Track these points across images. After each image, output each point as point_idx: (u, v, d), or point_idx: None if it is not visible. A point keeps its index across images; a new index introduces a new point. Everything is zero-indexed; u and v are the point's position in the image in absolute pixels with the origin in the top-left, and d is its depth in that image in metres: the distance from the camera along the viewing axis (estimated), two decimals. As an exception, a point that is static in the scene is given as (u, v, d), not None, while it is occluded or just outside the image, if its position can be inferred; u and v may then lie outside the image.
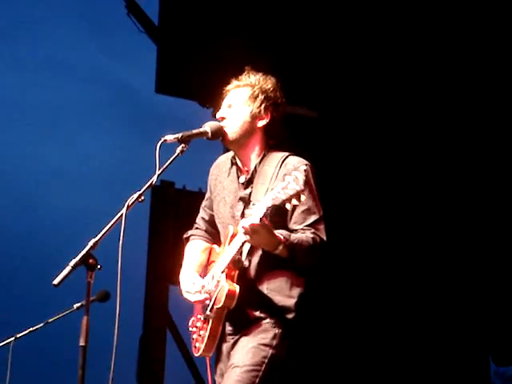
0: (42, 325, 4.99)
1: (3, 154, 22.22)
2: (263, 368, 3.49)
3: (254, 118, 3.69)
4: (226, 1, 7.05)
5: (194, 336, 3.74)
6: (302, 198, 3.26)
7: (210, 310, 3.63)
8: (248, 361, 3.49)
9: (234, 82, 3.79)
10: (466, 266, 7.32)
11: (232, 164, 3.78)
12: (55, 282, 3.07)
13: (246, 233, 3.40)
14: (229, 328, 3.63)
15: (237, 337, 3.60)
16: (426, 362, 7.14)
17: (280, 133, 3.76)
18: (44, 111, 22.92)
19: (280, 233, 3.48)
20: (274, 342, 3.52)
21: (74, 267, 3.09)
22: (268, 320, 3.56)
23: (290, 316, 3.58)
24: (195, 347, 3.72)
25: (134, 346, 7.47)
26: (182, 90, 7.10)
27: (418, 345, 7.18)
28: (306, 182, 3.31)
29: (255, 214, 3.37)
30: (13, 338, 4.96)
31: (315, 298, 6.50)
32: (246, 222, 3.38)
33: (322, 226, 3.58)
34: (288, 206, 3.29)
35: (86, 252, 3.12)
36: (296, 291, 3.60)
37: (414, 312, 7.21)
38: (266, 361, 3.50)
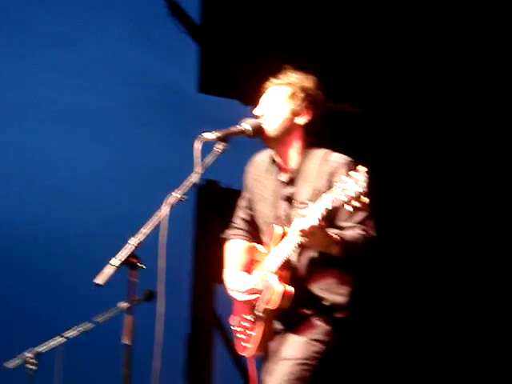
0: (91, 325, 5.03)
1: (55, 156, 22.50)
2: (314, 362, 3.50)
3: (294, 115, 3.69)
4: (264, 3, 7.04)
5: (240, 335, 3.74)
6: (364, 199, 3.24)
7: (260, 311, 3.62)
8: (299, 354, 3.50)
9: (274, 80, 3.78)
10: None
11: (272, 162, 3.77)
12: (98, 281, 3.10)
13: (303, 234, 3.39)
14: (277, 326, 3.63)
15: (285, 334, 3.59)
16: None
17: (320, 131, 3.75)
18: (91, 115, 23.15)
19: (333, 232, 3.47)
20: (326, 338, 3.53)
21: (118, 267, 3.13)
22: (318, 317, 3.56)
23: (340, 314, 3.59)
24: (241, 346, 3.72)
25: (179, 345, 7.49)
26: (224, 90, 7.12)
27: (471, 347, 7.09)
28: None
29: (312, 215, 3.35)
30: (63, 339, 4.99)
31: (365, 296, 6.58)
32: (305, 224, 3.36)
33: (371, 222, 3.57)
34: (348, 208, 3.27)
35: (129, 252, 3.15)
36: (345, 289, 3.61)
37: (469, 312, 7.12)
38: (318, 356, 3.50)
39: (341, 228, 3.53)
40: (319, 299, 3.57)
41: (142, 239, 3.20)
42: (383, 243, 6.76)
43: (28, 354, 4.96)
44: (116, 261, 3.14)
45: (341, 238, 3.46)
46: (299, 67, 3.83)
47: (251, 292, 3.66)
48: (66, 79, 23.13)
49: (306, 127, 3.71)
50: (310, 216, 3.36)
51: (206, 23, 7.29)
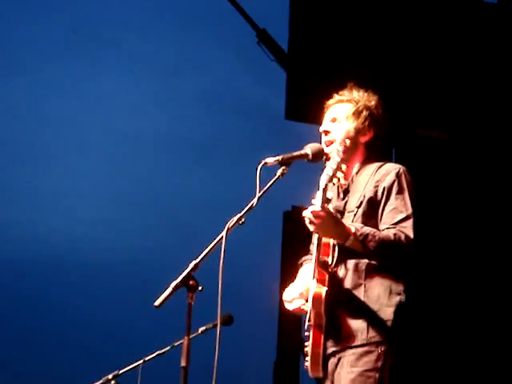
0: (168, 348, 5.10)
1: (160, 186, 22.94)
2: None
3: (358, 133, 3.68)
4: (353, 31, 7.05)
5: (305, 352, 3.65)
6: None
7: (309, 320, 3.57)
8: None
9: (337, 97, 3.81)
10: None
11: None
12: (156, 303, 3.13)
13: (310, 222, 3.35)
14: (329, 343, 3.52)
15: (339, 355, 3.47)
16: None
17: (381, 150, 3.74)
18: (199, 144, 23.50)
19: (352, 225, 3.42)
20: (380, 364, 3.38)
21: (174, 288, 3.15)
22: (369, 336, 3.41)
23: (390, 327, 3.41)
24: (306, 366, 3.63)
25: (268, 371, 7.50)
26: (309, 116, 7.15)
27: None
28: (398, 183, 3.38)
29: (316, 201, 3.33)
30: (141, 361, 5.10)
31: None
32: (308, 210, 3.35)
33: (408, 224, 3.45)
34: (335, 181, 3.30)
35: (187, 274, 3.17)
36: (395, 299, 3.46)
37: None
38: None
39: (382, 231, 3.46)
40: (366, 310, 3.44)
41: (198, 261, 3.22)
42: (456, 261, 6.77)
43: (109, 376, 5.09)
44: (173, 283, 3.17)
45: (357, 229, 3.38)
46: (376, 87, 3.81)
47: (296, 299, 3.65)
48: (175, 109, 23.61)
49: (368, 146, 3.70)
50: (315, 203, 3.34)
51: (293, 51, 7.36)
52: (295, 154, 3.52)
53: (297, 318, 7.54)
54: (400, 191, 3.51)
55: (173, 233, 22.31)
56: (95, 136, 22.60)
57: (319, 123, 7.22)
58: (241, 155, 22.99)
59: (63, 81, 22.39)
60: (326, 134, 3.71)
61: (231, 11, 7.71)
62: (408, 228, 3.43)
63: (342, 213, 3.65)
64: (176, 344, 5.07)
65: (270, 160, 3.42)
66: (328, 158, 3.63)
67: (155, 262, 20.35)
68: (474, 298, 6.97)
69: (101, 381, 5.12)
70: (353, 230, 3.38)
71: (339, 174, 3.39)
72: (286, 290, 3.78)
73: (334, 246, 3.50)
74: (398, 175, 3.54)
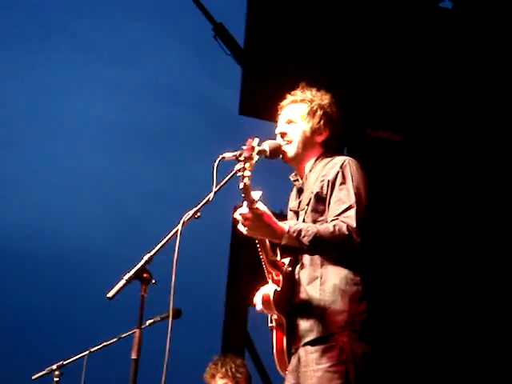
0: (115, 340, 5.08)
1: (108, 176, 22.78)
2: None
3: (314, 133, 3.69)
4: (310, 27, 7.07)
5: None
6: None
7: (271, 322, 3.60)
8: None
9: (290, 97, 3.80)
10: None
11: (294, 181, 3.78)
12: (109, 294, 3.12)
13: (242, 224, 3.35)
14: (291, 341, 3.53)
15: (301, 351, 3.46)
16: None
17: (336, 147, 3.75)
18: (150, 135, 23.38)
19: (286, 222, 3.41)
20: (344, 357, 3.35)
21: (128, 281, 3.14)
22: (325, 329, 3.40)
23: (346, 318, 3.40)
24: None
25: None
26: (263, 113, 7.15)
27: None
28: (341, 175, 3.40)
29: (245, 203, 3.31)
30: (87, 352, 5.06)
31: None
32: (236, 213, 3.34)
33: (351, 213, 3.41)
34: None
35: (141, 266, 3.16)
36: (351, 290, 3.43)
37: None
38: (343, 380, 3.34)
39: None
40: (323, 305, 3.42)
41: (152, 254, 3.21)
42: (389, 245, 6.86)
43: (54, 367, 5.04)
44: (127, 275, 3.16)
45: (290, 226, 3.35)
46: (337, 93, 3.84)
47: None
48: (124, 99, 23.44)
49: (324, 144, 3.70)
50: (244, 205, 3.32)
51: (249, 46, 7.35)
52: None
53: (243, 314, 7.65)
54: (343, 182, 3.50)
55: (121, 224, 22.19)
56: (46, 124, 22.36)
57: (273, 120, 7.27)
58: (190, 148, 22.94)
59: (13, 67, 22.10)
60: (282, 137, 3.70)
61: (188, 3, 7.67)
62: (351, 217, 3.39)
63: (297, 212, 3.67)
64: (123, 336, 5.05)
65: (228, 155, 3.39)
66: (285, 157, 3.66)
67: (103, 253, 20.24)
68: (422, 292, 7.05)
69: (45, 371, 5.07)
70: (286, 228, 3.36)
71: (247, 173, 3.29)
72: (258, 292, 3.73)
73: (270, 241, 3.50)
74: (341, 167, 3.53)
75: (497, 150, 7.12)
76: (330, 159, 3.64)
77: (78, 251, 20.55)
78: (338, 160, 3.59)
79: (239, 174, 3.27)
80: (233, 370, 5.69)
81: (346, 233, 3.34)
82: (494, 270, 7.08)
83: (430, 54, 7.26)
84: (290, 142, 3.68)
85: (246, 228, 3.36)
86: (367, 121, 7.18)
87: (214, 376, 5.76)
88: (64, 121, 22.61)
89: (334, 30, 7.12)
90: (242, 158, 3.27)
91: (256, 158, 3.32)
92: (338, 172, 3.52)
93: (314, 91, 3.77)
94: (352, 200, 3.45)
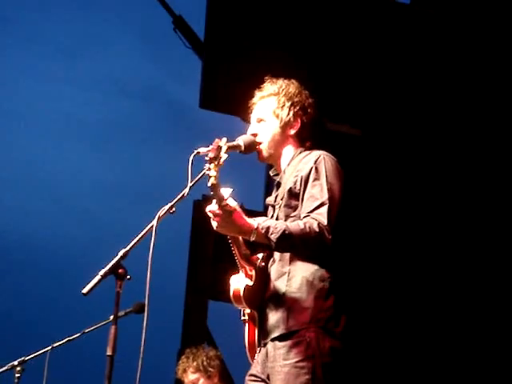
0: (78, 334, 5.04)
1: (56, 168, 22.55)
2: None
3: (285, 127, 3.65)
4: (271, 20, 7.07)
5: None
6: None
7: (243, 315, 3.61)
8: None
9: (258, 94, 3.74)
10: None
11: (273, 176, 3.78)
12: (84, 290, 3.09)
13: (212, 219, 3.35)
14: (260, 335, 3.53)
15: (269, 346, 3.46)
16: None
17: (313, 134, 3.70)
18: (98, 127, 23.20)
19: (256, 219, 3.39)
20: (310, 352, 3.35)
21: (103, 276, 3.12)
22: (289, 325, 3.40)
23: (311, 314, 3.39)
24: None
25: (172, 360, 7.47)
26: (224, 106, 7.15)
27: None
28: (315, 170, 3.37)
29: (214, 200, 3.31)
30: (49, 348, 5.02)
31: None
32: (207, 209, 3.34)
33: (323, 210, 3.37)
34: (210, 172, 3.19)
35: (116, 262, 3.14)
36: (317, 286, 3.42)
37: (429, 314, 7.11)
38: (310, 376, 3.33)
39: None
40: (290, 300, 3.41)
41: (128, 250, 3.19)
42: (375, 261, 6.93)
43: (15, 362, 4.99)
44: (102, 271, 3.14)
45: (259, 224, 3.34)
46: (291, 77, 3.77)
47: None
48: (72, 90, 23.21)
49: (298, 135, 3.67)
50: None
51: (209, 39, 7.32)
52: (228, 144, 3.48)
53: (203, 305, 7.63)
54: (317, 178, 3.46)
55: (69, 217, 21.98)
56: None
57: (234, 113, 7.27)
58: (140, 140, 22.82)
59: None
60: (254, 137, 3.65)
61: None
62: (322, 214, 3.36)
63: (274, 206, 3.66)
64: (87, 331, 5.02)
65: (203, 150, 3.33)
66: (260, 157, 3.66)
67: (51, 247, 20.03)
68: (394, 290, 7.12)
69: (5, 367, 5.02)
70: (255, 225, 3.35)
71: (212, 173, 3.24)
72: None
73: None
74: (316, 162, 3.49)
75: (456, 142, 7.19)
76: (307, 153, 3.62)
77: (26, 245, 20.32)
78: (313, 155, 3.55)
79: (207, 173, 3.25)
80: (204, 363, 5.62)
81: (317, 230, 3.32)
82: (469, 257, 7.15)
83: (388, 48, 7.31)
84: (261, 143, 3.65)
85: (215, 224, 3.36)
86: (326, 114, 7.19)
87: (185, 371, 5.69)
88: (10, 113, 22.31)
89: (292, 22, 7.12)
90: (207, 158, 3.24)
91: (224, 156, 3.27)
92: (312, 168, 3.49)
93: (280, 82, 3.71)
94: (325, 197, 3.41)
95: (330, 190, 3.43)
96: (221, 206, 3.29)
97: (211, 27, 7.24)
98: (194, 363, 5.65)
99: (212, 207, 3.32)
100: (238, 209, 3.34)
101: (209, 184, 3.23)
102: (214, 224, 3.36)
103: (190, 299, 7.68)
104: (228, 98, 7.02)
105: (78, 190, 22.55)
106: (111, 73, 23.18)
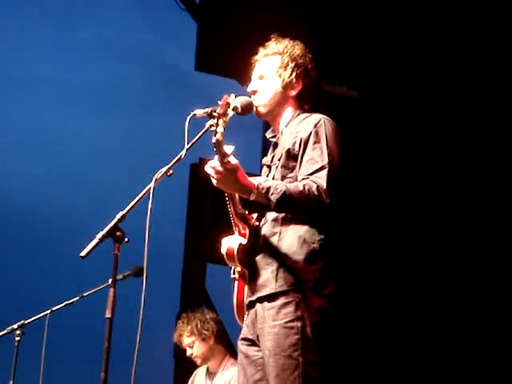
0: (77, 298, 5.06)
1: (51, 132, 22.48)
2: (300, 345, 3.35)
3: (286, 87, 3.63)
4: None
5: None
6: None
7: (233, 273, 3.62)
8: (281, 346, 3.35)
9: (262, 51, 3.72)
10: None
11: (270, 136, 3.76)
12: (82, 253, 3.09)
13: (212, 177, 3.33)
14: (248, 293, 3.55)
15: (257, 306, 3.48)
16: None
17: (313, 98, 3.67)
18: (93, 92, 23.09)
19: (257, 178, 3.39)
20: (299, 313, 3.37)
21: (101, 239, 3.11)
22: (277, 285, 3.41)
23: (299, 276, 3.40)
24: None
25: (171, 322, 7.50)
26: (221, 69, 7.11)
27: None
28: (315, 133, 3.37)
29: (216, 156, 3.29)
30: (49, 311, 5.04)
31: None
32: (207, 166, 3.31)
33: (323, 174, 3.37)
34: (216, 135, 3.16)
35: (114, 224, 3.14)
36: (307, 248, 3.42)
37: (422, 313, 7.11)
38: (300, 336, 3.35)
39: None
40: (279, 259, 3.42)
41: (125, 212, 3.18)
42: (380, 240, 6.88)
43: (15, 326, 5.02)
44: (100, 234, 3.13)
45: (259, 183, 3.33)
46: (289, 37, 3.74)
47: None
48: (67, 55, 23.07)
49: (299, 97, 3.65)
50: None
51: (205, 1, 7.27)
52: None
53: (201, 268, 7.65)
54: (317, 141, 3.46)
55: (67, 183, 21.97)
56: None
57: (230, 76, 7.23)
58: (138, 104, 22.72)
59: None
60: (253, 94, 3.64)
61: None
62: (322, 178, 3.36)
63: (270, 166, 3.66)
64: (85, 294, 5.04)
65: (199, 112, 3.32)
66: (258, 113, 3.64)
67: (49, 212, 20.03)
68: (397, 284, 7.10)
69: (5, 331, 5.04)
70: (255, 184, 3.33)
71: (220, 129, 3.21)
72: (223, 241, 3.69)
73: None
74: (316, 125, 3.48)
75: (456, 109, 7.15)
76: (306, 115, 3.60)
77: (25, 210, 20.32)
78: (314, 118, 3.54)
79: (212, 129, 3.21)
80: (198, 326, 5.68)
81: (316, 193, 3.32)
82: (453, 247, 7.13)
83: (386, 9, 7.25)
84: (261, 98, 3.64)
85: (216, 181, 3.33)
86: (323, 76, 7.14)
87: (181, 335, 5.77)
88: (7, 79, 22.19)
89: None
90: (215, 114, 3.21)
91: (231, 113, 3.28)
92: (312, 131, 3.48)
93: (286, 42, 3.69)
94: (325, 160, 3.41)
95: (329, 155, 3.43)
96: (223, 163, 3.26)
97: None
98: (189, 327, 5.71)
99: (214, 163, 3.29)
100: (240, 166, 3.32)
101: (213, 140, 3.20)
102: (214, 181, 3.34)
103: (189, 262, 7.70)
104: (224, 60, 6.99)
105: (76, 156, 22.51)
106: (107, 37, 23.04)
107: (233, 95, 3.33)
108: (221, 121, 3.21)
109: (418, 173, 7.21)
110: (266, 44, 3.73)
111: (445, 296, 7.07)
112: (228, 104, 3.27)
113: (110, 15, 23.28)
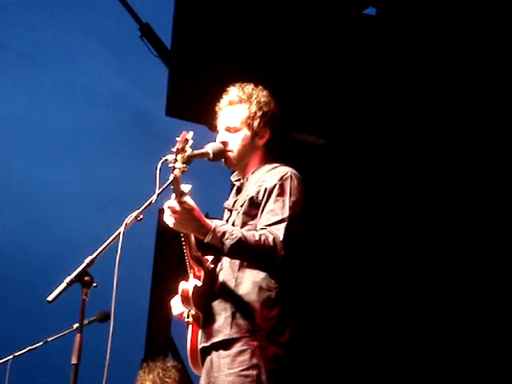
0: (41, 343, 4.98)
1: (21, 177, 22.34)
2: None
3: (255, 137, 3.64)
4: (238, 30, 7.07)
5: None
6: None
7: (187, 317, 3.60)
8: None
9: (226, 99, 3.69)
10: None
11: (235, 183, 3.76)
12: (49, 298, 3.06)
13: (169, 217, 3.31)
14: (202, 338, 3.51)
15: (212, 353, 3.46)
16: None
17: (279, 144, 3.69)
18: (63, 136, 23.03)
19: (214, 221, 3.37)
20: (255, 361, 3.35)
21: (69, 284, 3.09)
22: (232, 332, 3.40)
23: (255, 323, 3.39)
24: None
25: (135, 368, 7.42)
26: (191, 114, 7.11)
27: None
28: (280, 186, 3.39)
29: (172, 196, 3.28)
30: (11, 357, 4.96)
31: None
32: (165, 205, 3.29)
33: (281, 226, 3.38)
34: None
35: (82, 269, 3.11)
36: (263, 295, 3.41)
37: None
38: None
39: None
40: (235, 306, 3.41)
41: (94, 257, 3.16)
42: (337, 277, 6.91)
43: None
44: (68, 278, 3.10)
45: (216, 226, 3.32)
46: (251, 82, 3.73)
47: (179, 306, 3.66)
48: (37, 98, 23.04)
49: (267, 144, 3.66)
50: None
51: (175, 48, 7.29)
52: (196, 152, 3.44)
53: (166, 317, 7.57)
54: (281, 194, 3.46)
55: (30, 225, 21.78)
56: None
57: (201, 122, 7.25)
58: (106, 149, 22.68)
59: None
60: (224, 146, 3.63)
61: (114, 4, 7.57)
62: (280, 230, 3.36)
63: (231, 211, 3.65)
64: (50, 339, 4.97)
65: (171, 157, 3.28)
66: (228, 163, 3.64)
67: (13, 256, 19.80)
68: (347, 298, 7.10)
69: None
70: (212, 227, 3.33)
71: (178, 165, 3.20)
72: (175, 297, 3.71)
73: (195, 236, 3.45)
74: (282, 178, 3.49)
75: (420, 151, 7.22)
76: (275, 166, 3.61)
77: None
78: (281, 170, 3.55)
79: (170, 165, 3.20)
80: (160, 375, 5.62)
81: (271, 244, 3.32)
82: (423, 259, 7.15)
83: (354, 60, 7.34)
84: (231, 150, 3.63)
85: (173, 221, 3.31)
86: (293, 124, 7.20)
87: None
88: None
89: (261, 31, 7.12)
90: (174, 150, 3.19)
91: (189, 151, 3.24)
92: (277, 183, 3.48)
93: (250, 89, 3.68)
94: (285, 214, 3.42)
95: (291, 209, 3.44)
96: (180, 202, 3.24)
97: (178, 35, 7.21)
98: (150, 376, 5.66)
99: (171, 203, 3.27)
100: (196, 207, 3.31)
101: (171, 177, 3.19)
102: (171, 220, 3.31)
103: (155, 308, 7.63)
104: (194, 107, 7.00)
105: (44, 200, 22.37)
106: (76, 81, 23.04)
107: (191, 132, 3.29)
108: (179, 156, 3.19)
109: (387, 219, 7.25)
110: (228, 89, 3.71)
111: (443, 300, 7.07)
112: (186, 140, 3.24)
113: (81, 59, 23.33)
